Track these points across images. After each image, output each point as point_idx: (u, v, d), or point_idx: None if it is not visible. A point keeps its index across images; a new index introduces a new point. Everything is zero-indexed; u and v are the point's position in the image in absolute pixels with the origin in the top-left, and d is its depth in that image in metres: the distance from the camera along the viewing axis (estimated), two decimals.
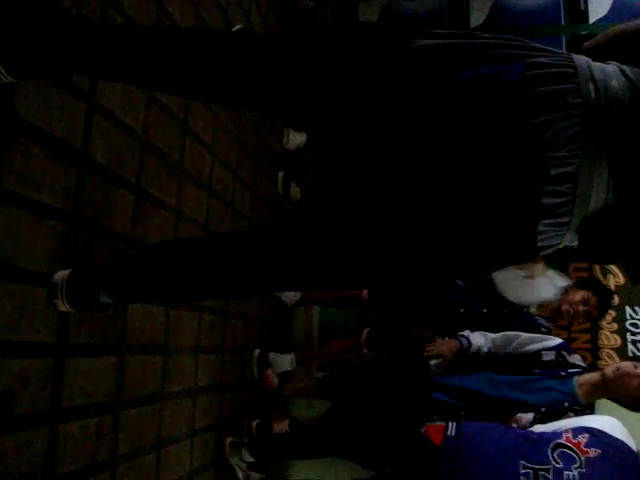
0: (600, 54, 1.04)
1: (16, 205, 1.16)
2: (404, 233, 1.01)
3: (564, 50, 3.41)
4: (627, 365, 2.27)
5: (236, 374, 2.50)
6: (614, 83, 0.95)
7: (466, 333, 2.53)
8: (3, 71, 1.06)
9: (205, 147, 2.09)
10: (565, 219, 0.95)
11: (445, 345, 2.52)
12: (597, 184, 0.94)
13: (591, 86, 0.94)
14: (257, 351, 2.70)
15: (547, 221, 0.94)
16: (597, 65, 0.99)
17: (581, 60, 0.99)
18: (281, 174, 3.08)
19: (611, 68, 0.98)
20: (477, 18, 3.63)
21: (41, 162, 1.23)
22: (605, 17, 3.47)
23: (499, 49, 0.98)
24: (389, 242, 1.02)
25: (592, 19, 3.51)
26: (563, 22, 3.55)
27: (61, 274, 1.26)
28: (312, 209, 1.16)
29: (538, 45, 1.01)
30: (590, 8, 3.52)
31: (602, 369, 2.39)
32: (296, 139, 3.12)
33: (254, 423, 2.66)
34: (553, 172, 0.92)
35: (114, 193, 1.51)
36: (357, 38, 1.05)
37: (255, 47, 1.07)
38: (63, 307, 1.26)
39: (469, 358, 2.51)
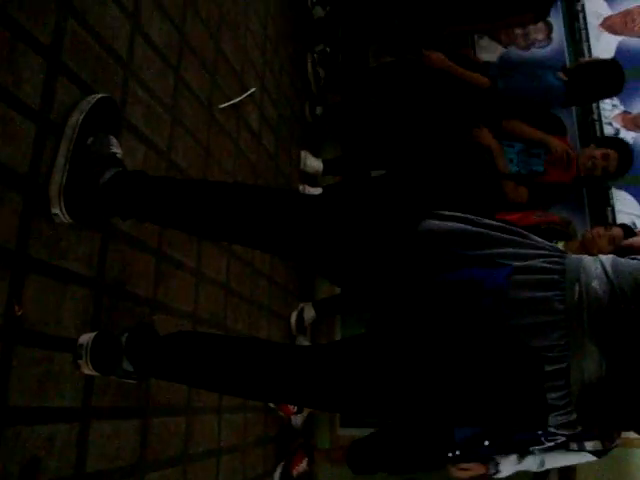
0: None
1: (43, 273, 1.20)
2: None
3: (574, 123, 3.47)
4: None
5: (259, 432, 2.48)
6: (595, 284, 1.03)
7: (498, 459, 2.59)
8: (66, 214, 1.23)
9: None
10: (569, 409, 1.02)
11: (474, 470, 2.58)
12: (588, 370, 1.00)
13: (576, 288, 1.03)
14: None
15: (554, 414, 1.02)
16: (585, 262, 1.08)
17: (572, 260, 1.08)
18: None
19: (594, 268, 1.06)
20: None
21: (66, 230, 1.27)
22: None
23: (495, 247, 1.08)
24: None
25: None
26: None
27: (86, 336, 1.30)
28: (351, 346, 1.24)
29: (535, 240, 1.13)
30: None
31: None
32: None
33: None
34: (548, 368, 1.00)
35: (136, 257, 1.55)
36: (373, 213, 1.21)
37: (288, 208, 1.22)
38: (87, 369, 1.29)
39: None
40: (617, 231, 2.69)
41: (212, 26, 2.14)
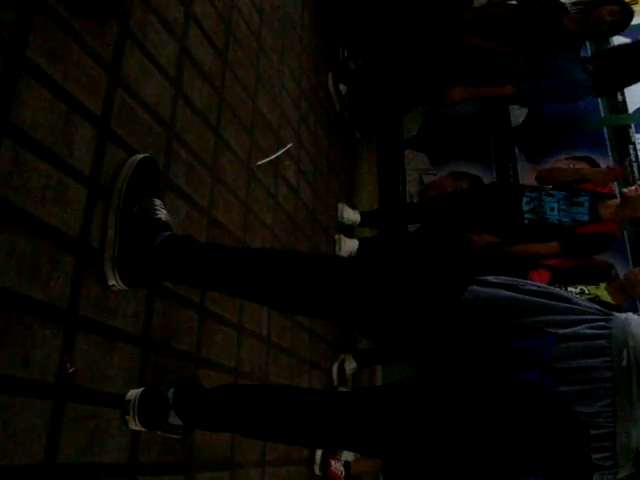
0: None
1: (92, 331, 1.24)
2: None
3: (608, 145, 3.48)
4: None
5: None
6: None
7: None
8: (121, 284, 1.30)
9: None
10: (615, 470, 1.03)
11: None
12: (637, 436, 1.01)
13: (624, 354, 1.03)
14: (319, 453, 2.68)
15: (599, 473, 1.03)
16: (632, 326, 1.07)
17: (618, 323, 1.08)
18: None
19: None
20: (517, 117, 3.75)
21: (114, 290, 1.31)
22: None
23: (539, 315, 1.09)
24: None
25: (631, 109, 3.57)
26: (603, 114, 3.61)
27: (134, 392, 1.33)
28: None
29: (582, 304, 1.12)
30: (628, 98, 3.59)
31: None
32: (348, 246, 3.20)
33: None
34: (593, 432, 1.01)
35: (180, 314, 1.58)
36: (416, 280, 1.22)
37: (330, 274, 1.25)
38: (134, 425, 1.32)
39: None
40: None
41: (249, 86, 2.22)
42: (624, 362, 1.01)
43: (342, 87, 3.55)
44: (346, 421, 1.23)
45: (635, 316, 1.10)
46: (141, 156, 1.39)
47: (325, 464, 2.64)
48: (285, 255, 1.41)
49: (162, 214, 1.35)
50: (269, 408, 1.30)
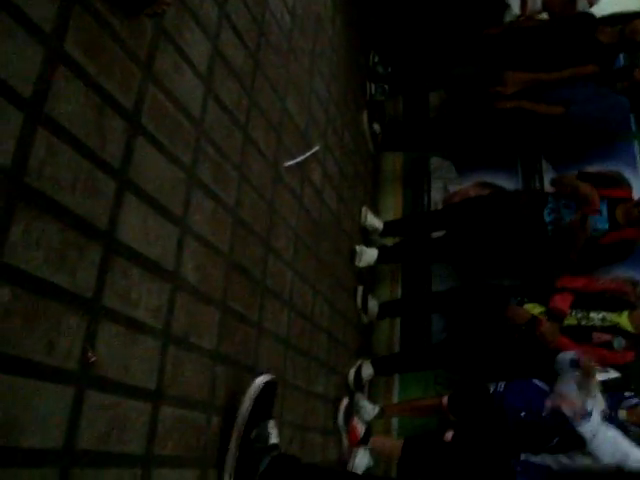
0: None
1: (115, 321, 1.26)
2: None
3: (637, 160, 3.43)
4: None
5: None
6: None
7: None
8: None
9: (286, 264, 2.19)
10: None
11: None
12: None
13: None
14: (345, 401, 2.76)
15: None
16: None
17: None
18: (360, 288, 3.14)
19: None
20: None
21: (137, 282, 1.33)
22: None
23: None
24: None
25: None
26: (634, 128, 3.57)
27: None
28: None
29: None
30: None
31: None
32: (367, 257, 3.18)
33: None
34: None
35: (201, 310, 1.60)
36: None
37: None
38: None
39: None
40: None
41: (279, 87, 2.24)
42: None
43: (376, 126, 3.58)
44: None
45: None
46: (267, 379, 1.72)
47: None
48: None
49: (275, 440, 1.61)
50: None
